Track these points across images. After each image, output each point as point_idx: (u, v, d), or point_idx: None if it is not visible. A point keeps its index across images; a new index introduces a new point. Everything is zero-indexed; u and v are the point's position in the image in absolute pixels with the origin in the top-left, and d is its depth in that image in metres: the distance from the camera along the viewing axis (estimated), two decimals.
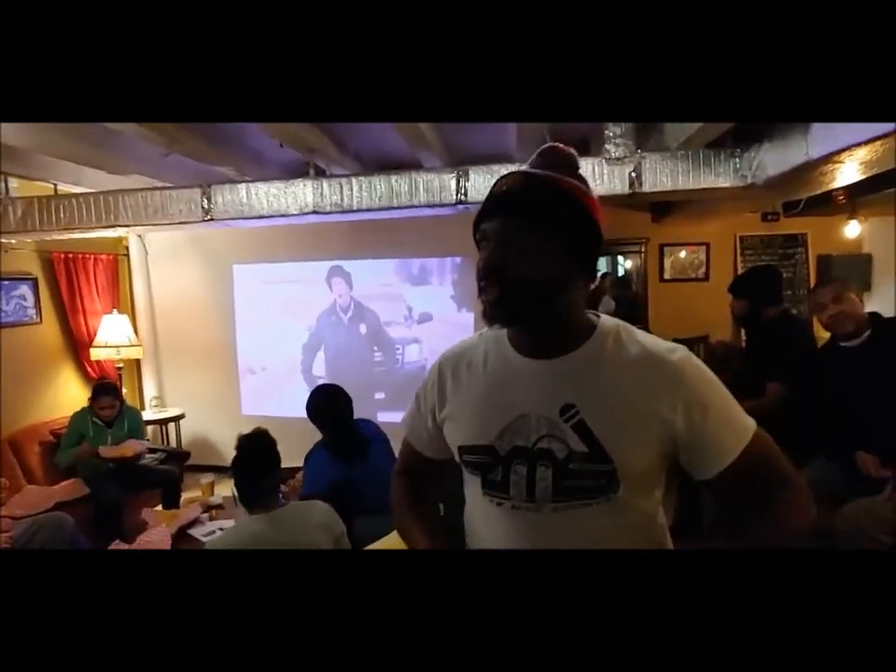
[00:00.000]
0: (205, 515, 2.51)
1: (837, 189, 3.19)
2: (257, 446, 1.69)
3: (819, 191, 2.70)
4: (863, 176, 2.21)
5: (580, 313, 0.85)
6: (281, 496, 1.82)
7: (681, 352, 0.83)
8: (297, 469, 3.58)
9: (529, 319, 0.81)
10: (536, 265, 0.77)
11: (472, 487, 0.91)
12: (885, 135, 1.68)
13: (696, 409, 0.78)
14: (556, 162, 0.83)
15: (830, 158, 1.96)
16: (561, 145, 0.86)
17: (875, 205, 4.05)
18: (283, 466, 4.24)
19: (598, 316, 0.88)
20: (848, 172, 2.19)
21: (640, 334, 0.85)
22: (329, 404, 2.37)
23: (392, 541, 1.79)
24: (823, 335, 2.39)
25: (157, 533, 2.32)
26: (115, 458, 3.16)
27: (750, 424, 0.82)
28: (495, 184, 0.83)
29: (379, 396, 4.40)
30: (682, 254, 4.82)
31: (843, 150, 1.87)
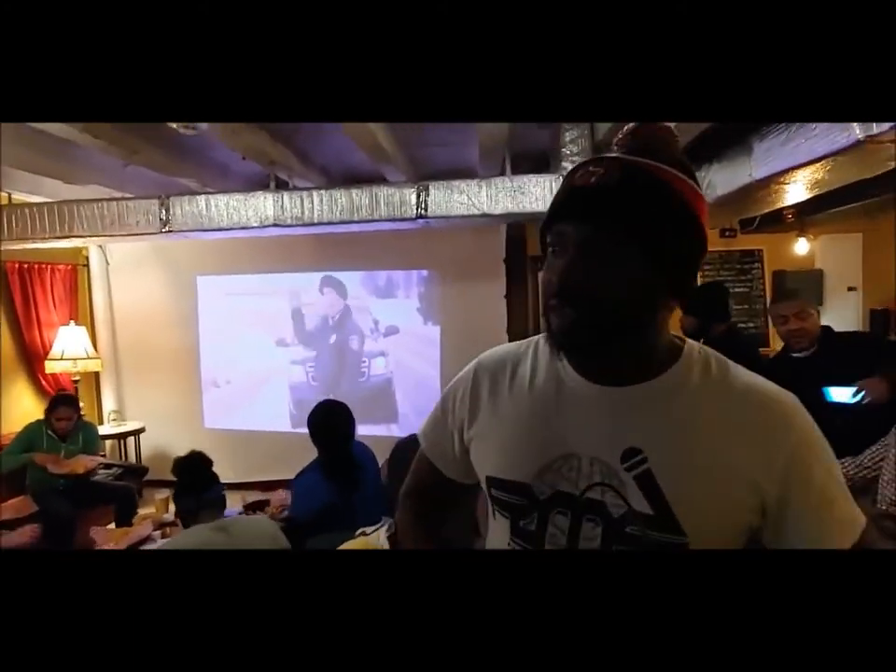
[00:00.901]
0: (157, 533, 2.46)
1: (787, 208, 3.32)
2: (192, 461, 1.69)
3: (769, 209, 2.80)
4: (810, 195, 2.31)
5: (665, 335, 0.68)
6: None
7: (791, 399, 0.65)
8: (264, 484, 3.53)
9: (610, 348, 0.63)
10: (629, 283, 0.60)
11: (498, 529, 0.74)
12: (824, 157, 1.76)
13: (797, 479, 0.61)
14: (656, 146, 0.63)
15: (773, 179, 2.04)
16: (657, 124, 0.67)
17: (824, 223, 4.22)
18: (248, 480, 4.18)
19: (684, 341, 0.70)
20: (795, 191, 2.28)
21: (737, 368, 0.68)
22: (327, 420, 2.26)
23: (357, 544, 1.78)
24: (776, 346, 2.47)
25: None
26: (65, 474, 3.07)
27: (859, 518, 0.64)
28: (577, 170, 0.63)
29: None
30: None
31: (785, 171, 1.95)
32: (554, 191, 2.50)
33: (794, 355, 2.28)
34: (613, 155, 0.63)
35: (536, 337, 0.77)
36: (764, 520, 0.62)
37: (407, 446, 2.33)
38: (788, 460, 0.61)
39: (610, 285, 0.60)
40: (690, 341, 0.70)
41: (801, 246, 4.32)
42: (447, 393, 0.81)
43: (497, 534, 0.74)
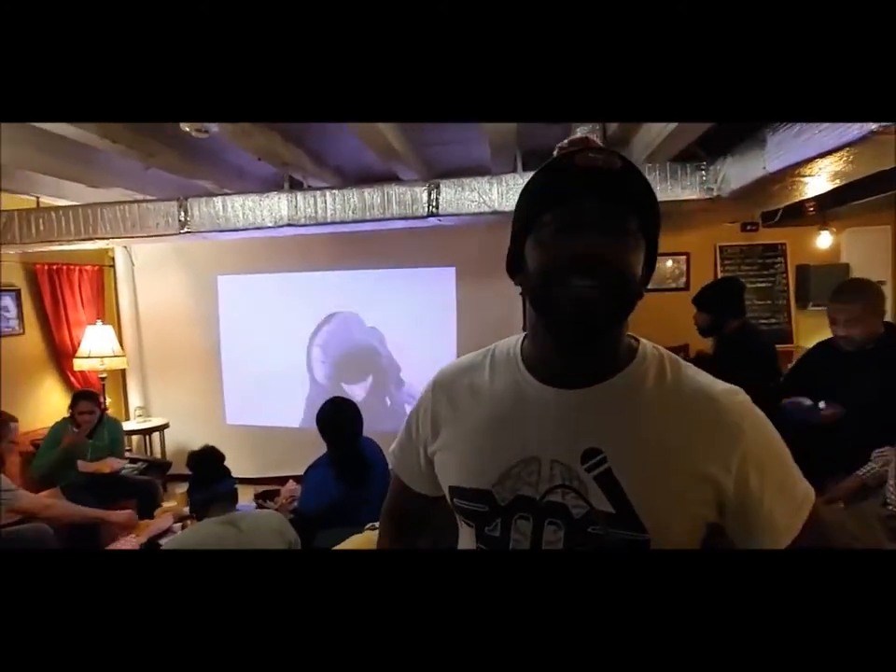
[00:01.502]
0: (178, 525, 2.53)
1: (808, 201, 3.24)
2: (205, 456, 1.73)
3: (789, 202, 2.74)
4: (831, 187, 2.24)
5: (624, 333, 0.69)
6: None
7: (741, 396, 0.67)
8: (282, 479, 3.59)
9: (608, 332, 0.64)
10: (636, 259, 0.62)
11: (465, 538, 0.75)
12: (836, 149, 1.72)
13: (753, 471, 0.63)
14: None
15: (788, 171, 2.00)
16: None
17: (849, 216, 4.11)
18: (266, 475, 4.24)
19: (638, 340, 0.71)
20: (815, 183, 2.23)
21: (689, 367, 0.69)
22: (335, 418, 2.31)
23: (359, 541, 1.81)
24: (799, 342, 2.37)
25: (125, 543, 2.34)
26: (91, 473, 3.17)
27: (809, 493, 0.66)
28: (568, 158, 0.62)
29: None
30: (669, 262, 4.83)
31: (800, 164, 1.91)
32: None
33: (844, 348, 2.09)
34: (607, 148, 0.65)
35: (491, 346, 0.78)
36: (723, 514, 0.64)
37: None
38: (742, 455, 0.62)
39: (627, 258, 0.61)
40: (644, 340, 0.71)
41: (824, 240, 4.21)
42: (410, 413, 0.83)
43: (465, 542, 0.75)
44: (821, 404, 2.04)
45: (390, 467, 0.88)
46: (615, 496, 0.63)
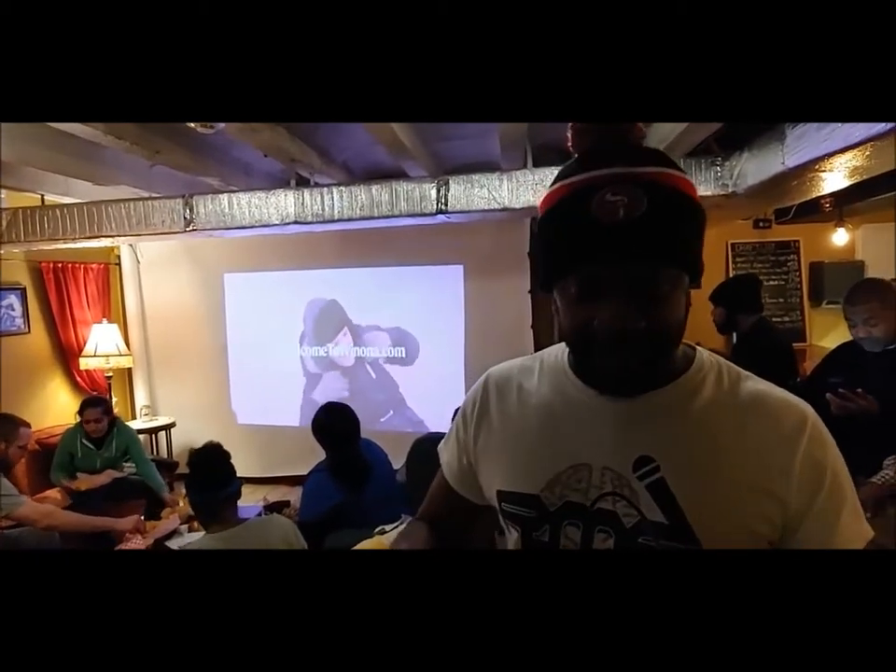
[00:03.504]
0: (185, 526, 2.50)
1: (824, 197, 3.18)
2: (207, 458, 1.67)
3: (805, 199, 2.68)
4: (849, 183, 2.19)
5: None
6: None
7: (803, 406, 0.63)
8: (291, 479, 3.56)
9: (654, 367, 0.62)
10: (679, 306, 0.59)
11: (510, 544, 0.73)
12: (861, 143, 1.67)
13: (812, 489, 0.59)
14: (626, 140, 0.62)
15: (807, 167, 1.94)
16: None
17: (865, 212, 4.03)
18: (274, 475, 4.22)
19: (694, 348, 0.68)
20: (833, 179, 2.17)
21: (749, 377, 0.66)
22: (333, 422, 2.29)
23: (369, 546, 1.77)
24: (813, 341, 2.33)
25: (132, 544, 2.31)
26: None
27: (866, 533, 0.63)
28: (589, 198, 0.56)
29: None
30: None
31: (820, 159, 1.85)
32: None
33: (867, 349, 2.06)
34: (617, 171, 0.56)
35: (542, 352, 0.76)
36: (782, 530, 0.61)
37: (425, 443, 2.32)
38: (802, 470, 0.59)
39: (668, 316, 0.58)
40: (700, 348, 0.69)
41: (840, 237, 4.13)
42: (461, 408, 0.80)
43: (510, 549, 0.73)
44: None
45: (441, 468, 0.83)
46: (668, 506, 0.60)
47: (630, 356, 0.58)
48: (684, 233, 0.58)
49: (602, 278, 0.57)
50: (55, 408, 3.98)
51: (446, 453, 0.82)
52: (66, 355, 4.09)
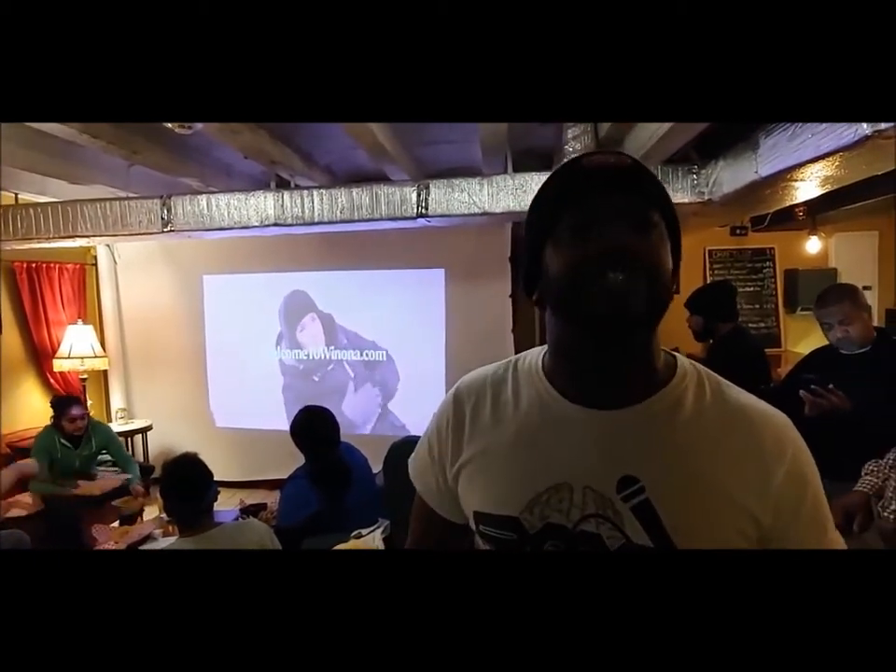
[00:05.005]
0: (159, 532, 2.46)
1: (798, 206, 3.25)
2: (184, 470, 1.65)
3: (780, 207, 2.74)
4: (821, 192, 2.24)
5: (659, 347, 0.64)
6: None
7: (782, 419, 0.63)
8: (272, 483, 3.52)
9: (643, 330, 0.60)
10: (665, 253, 0.59)
11: None
12: (831, 153, 1.71)
13: (788, 509, 0.59)
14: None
15: (780, 175, 1.98)
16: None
17: (837, 221, 4.13)
18: (252, 479, 4.16)
19: (674, 356, 0.66)
20: (805, 188, 2.22)
21: (730, 387, 0.65)
22: (312, 426, 2.25)
23: (348, 547, 1.76)
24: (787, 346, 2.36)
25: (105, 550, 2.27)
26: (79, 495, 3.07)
27: (838, 544, 0.64)
28: (581, 159, 0.61)
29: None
30: None
31: (792, 168, 1.90)
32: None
33: (843, 351, 2.11)
34: (615, 151, 0.64)
35: (512, 359, 0.73)
36: (758, 543, 0.60)
37: (402, 447, 2.31)
38: (779, 490, 0.59)
39: (656, 250, 0.58)
40: (681, 356, 0.67)
41: (813, 245, 4.23)
42: (430, 425, 0.75)
43: None
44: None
45: (417, 489, 0.79)
46: (653, 529, 0.58)
47: (628, 282, 0.55)
48: (666, 202, 0.61)
49: (600, 209, 0.58)
50: (27, 411, 3.90)
51: (420, 480, 0.76)
52: (39, 356, 4.00)
